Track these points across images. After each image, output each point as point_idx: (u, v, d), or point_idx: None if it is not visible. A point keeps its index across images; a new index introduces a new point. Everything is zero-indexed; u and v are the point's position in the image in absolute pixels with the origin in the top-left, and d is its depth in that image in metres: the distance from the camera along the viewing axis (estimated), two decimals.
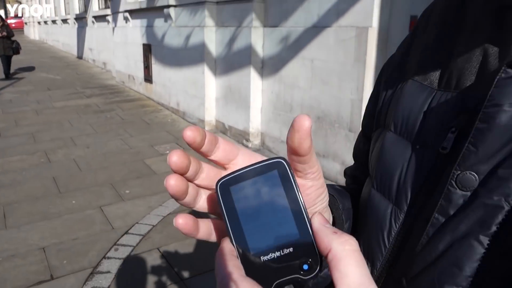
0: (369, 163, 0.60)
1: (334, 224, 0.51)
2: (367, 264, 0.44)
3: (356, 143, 0.70)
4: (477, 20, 0.47)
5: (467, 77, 0.45)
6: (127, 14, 8.29)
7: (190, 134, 0.32)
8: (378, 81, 0.64)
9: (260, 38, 4.86)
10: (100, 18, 11.88)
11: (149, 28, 7.41)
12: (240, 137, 5.33)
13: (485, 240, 0.38)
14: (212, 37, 5.58)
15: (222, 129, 5.76)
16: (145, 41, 7.70)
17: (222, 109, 5.74)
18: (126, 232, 3.25)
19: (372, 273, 0.50)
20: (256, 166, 0.32)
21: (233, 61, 5.27)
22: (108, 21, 10.79)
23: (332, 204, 0.51)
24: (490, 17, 0.46)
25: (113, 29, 9.51)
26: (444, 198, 0.42)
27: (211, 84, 5.77)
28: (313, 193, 0.37)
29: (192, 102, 6.22)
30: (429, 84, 0.50)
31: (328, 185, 0.46)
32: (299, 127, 0.30)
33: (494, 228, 0.38)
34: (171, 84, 6.88)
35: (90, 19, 12.69)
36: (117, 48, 9.46)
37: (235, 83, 5.28)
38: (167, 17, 6.51)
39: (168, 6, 6.36)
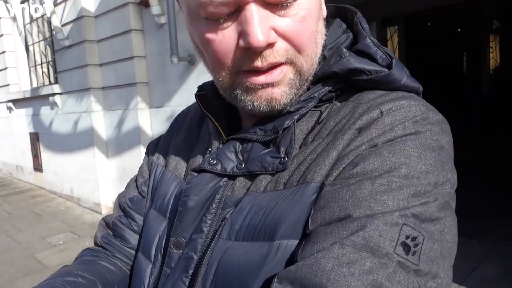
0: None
1: None
2: None
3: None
4: (204, 135, 0.74)
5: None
6: (10, 104, 8.03)
7: None
8: (145, 160, 0.86)
9: (147, 119, 5.09)
10: None
11: (35, 116, 7.25)
12: None
13: (186, 280, 0.61)
14: (101, 121, 5.67)
15: None
16: (32, 130, 7.48)
17: (118, 190, 5.71)
18: None
19: None
20: None
21: (124, 142, 5.38)
22: None
23: None
24: (211, 134, 0.70)
25: None
26: (168, 256, 0.64)
27: (104, 167, 5.76)
28: None
29: (86, 187, 6.10)
30: (178, 175, 0.73)
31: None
32: None
33: (190, 272, 0.61)
34: (62, 171, 6.69)
35: None
36: (1, 139, 8.98)
37: (128, 164, 5.36)
38: (53, 105, 6.48)
39: (54, 94, 6.36)
